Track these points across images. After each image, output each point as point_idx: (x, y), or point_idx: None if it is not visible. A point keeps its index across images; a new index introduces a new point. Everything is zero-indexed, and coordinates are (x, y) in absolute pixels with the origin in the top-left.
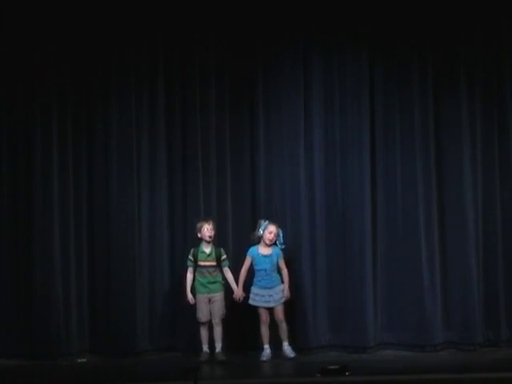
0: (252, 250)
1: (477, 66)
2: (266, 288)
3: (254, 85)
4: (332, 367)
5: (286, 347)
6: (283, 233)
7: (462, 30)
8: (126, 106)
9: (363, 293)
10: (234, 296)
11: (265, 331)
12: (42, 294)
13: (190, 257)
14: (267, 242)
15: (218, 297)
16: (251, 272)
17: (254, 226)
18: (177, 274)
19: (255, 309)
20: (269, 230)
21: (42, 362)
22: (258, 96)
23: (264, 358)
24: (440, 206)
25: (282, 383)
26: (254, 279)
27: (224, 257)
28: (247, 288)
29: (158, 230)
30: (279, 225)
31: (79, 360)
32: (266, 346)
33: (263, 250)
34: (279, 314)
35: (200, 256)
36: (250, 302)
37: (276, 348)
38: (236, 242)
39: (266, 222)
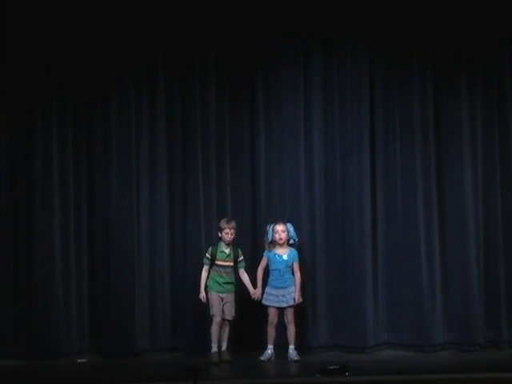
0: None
1: (477, 66)
2: (279, 288)
3: (254, 85)
4: (332, 367)
5: (292, 350)
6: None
7: (461, 30)
8: (125, 106)
9: (363, 293)
10: (252, 295)
11: (271, 331)
12: (42, 294)
13: (208, 255)
14: (280, 242)
15: (230, 298)
16: (267, 272)
17: (255, 226)
18: (177, 274)
19: (259, 309)
20: (275, 231)
21: (42, 362)
22: (257, 96)
23: (263, 358)
24: (440, 205)
25: (282, 383)
26: (268, 279)
27: (241, 258)
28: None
29: (158, 229)
30: (287, 220)
31: (79, 360)
32: (270, 347)
33: (279, 250)
34: (289, 315)
35: (219, 255)
36: (263, 301)
37: (279, 349)
38: (236, 242)
39: (272, 224)
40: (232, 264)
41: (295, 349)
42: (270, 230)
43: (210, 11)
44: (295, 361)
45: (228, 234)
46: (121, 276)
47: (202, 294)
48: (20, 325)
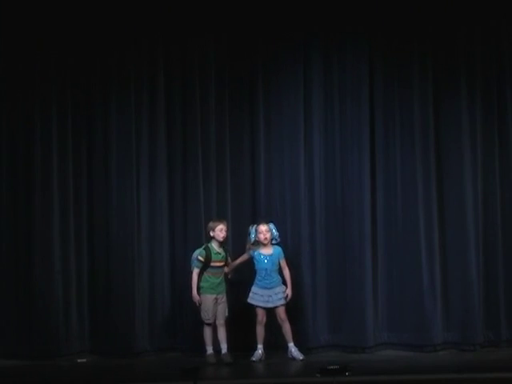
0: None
1: (477, 66)
2: (265, 288)
3: (254, 85)
4: (332, 367)
5: (293, 349)
6: (279, 228)
7: (461, 29)
8: (126, 105)
9: (363, 293)
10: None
11: (260, 331)
12: (42, 294)
13: (201, 258)
14: (264, 242)
15: (224, 298)
16: (251, 271)
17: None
18: (177, 274)
19: (253, 308)
20: (259, 231)
21: (42, 362)
22: (257, 96)
23: (254, 359)
24: (440, 205)
25: (282, 383)
26: (255, 279)
27: (229, 255)
28: (248, 287)
29: (157, 230)
30: (269, 220)
31: (79, 360)
32: (260, 346)
33: (264, 250)
34: (281, 314)
35: (215, 257)
36: (249, 300)
37: (275, 349)
38: (236, 242)
39: (254, 225)
40: (224, 264)
41: (296, 346)
42: (253, 231)
43: (209, 11)
44: (301, 360)
45: (222, 230)
46: (121, 276)
47: (197, 298)
48: (20, 325)
